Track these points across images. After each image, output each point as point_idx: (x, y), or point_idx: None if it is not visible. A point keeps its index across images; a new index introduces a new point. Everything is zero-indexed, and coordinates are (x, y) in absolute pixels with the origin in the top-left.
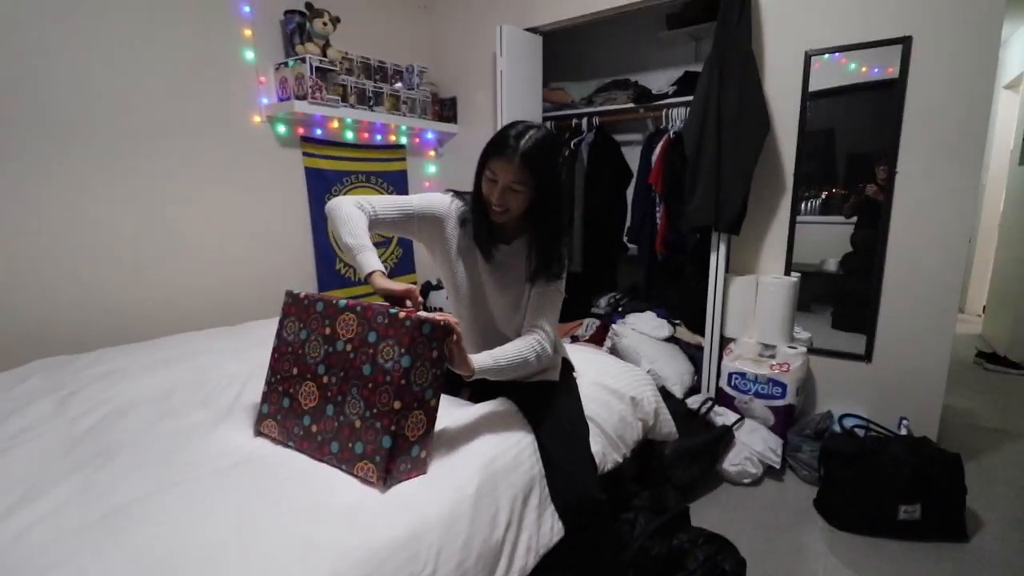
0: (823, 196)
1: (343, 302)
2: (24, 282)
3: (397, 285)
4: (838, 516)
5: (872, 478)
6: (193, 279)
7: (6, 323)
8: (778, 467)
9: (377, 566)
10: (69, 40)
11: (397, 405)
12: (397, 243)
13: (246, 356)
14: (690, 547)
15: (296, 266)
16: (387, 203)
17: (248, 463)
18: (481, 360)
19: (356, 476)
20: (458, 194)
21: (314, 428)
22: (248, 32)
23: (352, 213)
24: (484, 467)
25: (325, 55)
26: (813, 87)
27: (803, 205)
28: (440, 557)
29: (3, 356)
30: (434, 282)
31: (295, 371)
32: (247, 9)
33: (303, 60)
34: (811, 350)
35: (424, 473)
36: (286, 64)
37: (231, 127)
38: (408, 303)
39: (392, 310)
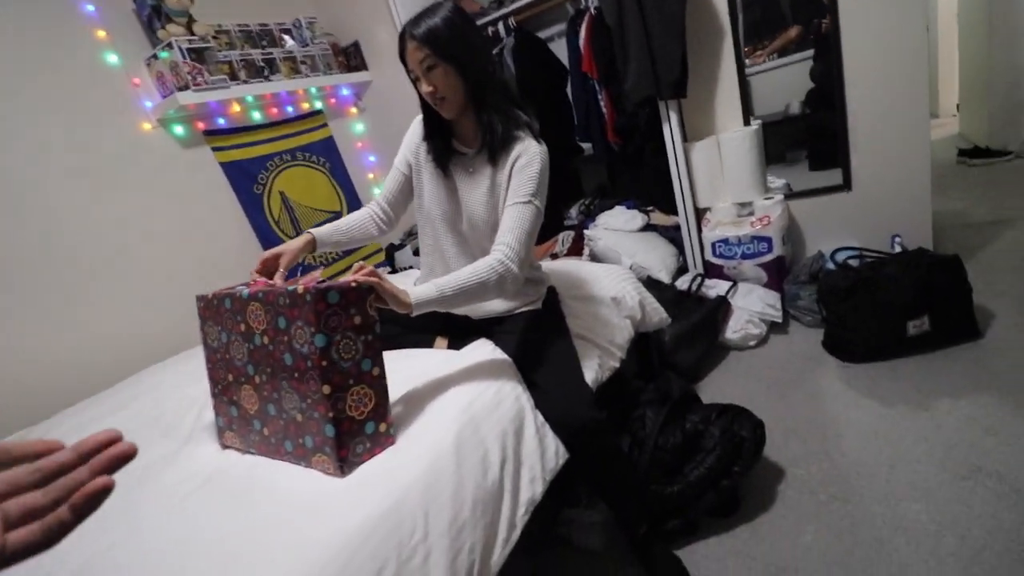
0: (777, 40)
1: (246, 292)
2: None
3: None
4: (848, 351)
5: (873, 303)
6: (149, 310)
7: None
8: (780, 321)
9: (359, 546)
10: None
11: (327, 390)
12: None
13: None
14: (704, 426)
15: (246, 265)
16: (388, 177)
17: (211, 482)
18: (422, 292)
19: (316, 470)
20: None
21: (265, 431)
22: (102, 33)
23: (349, 217)
24: (461, 414)
25: (192, 32)
26: None
27: (763, 58)
28: (428, 517)
29: None
30: (396, 242)
31: (230, 377)
32: (91, 8)
33: (170, 46)
34: (788, 195)
35: (392, 444)
36: (155, 57)
37: (122, 144)
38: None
39: (292, 287)
